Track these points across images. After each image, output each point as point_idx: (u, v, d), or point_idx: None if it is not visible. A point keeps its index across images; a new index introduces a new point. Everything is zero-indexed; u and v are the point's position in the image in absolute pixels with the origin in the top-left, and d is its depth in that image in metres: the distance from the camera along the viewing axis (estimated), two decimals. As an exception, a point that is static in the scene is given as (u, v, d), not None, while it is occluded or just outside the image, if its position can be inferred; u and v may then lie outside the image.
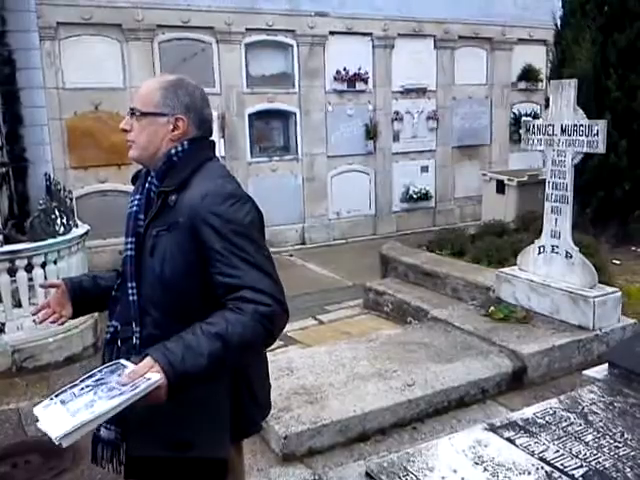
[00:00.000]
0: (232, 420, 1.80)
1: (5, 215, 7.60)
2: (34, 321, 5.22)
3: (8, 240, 6.03)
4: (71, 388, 1.65)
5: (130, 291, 1.86)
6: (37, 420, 1.60)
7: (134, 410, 1.59)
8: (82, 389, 1.62)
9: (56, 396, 1.65)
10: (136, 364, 1.60)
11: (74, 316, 2.09)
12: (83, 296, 2.08)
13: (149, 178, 1.90)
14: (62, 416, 1.53)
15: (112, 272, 2.15)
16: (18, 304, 5.40)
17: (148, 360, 1.58)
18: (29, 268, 5.35)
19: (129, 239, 1.88)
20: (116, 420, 1.76)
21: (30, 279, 5.38)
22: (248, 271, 1.71)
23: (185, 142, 1.89)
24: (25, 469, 3.67)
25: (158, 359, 1.57)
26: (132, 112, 1.90)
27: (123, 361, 1.69)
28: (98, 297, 2.08)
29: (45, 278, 5.41)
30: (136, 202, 1.92)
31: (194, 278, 1.77)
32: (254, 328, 1.65)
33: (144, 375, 1.55)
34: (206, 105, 1.97)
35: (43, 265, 5.40)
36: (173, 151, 1.87)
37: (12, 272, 5.29)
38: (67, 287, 2.05)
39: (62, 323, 2.10)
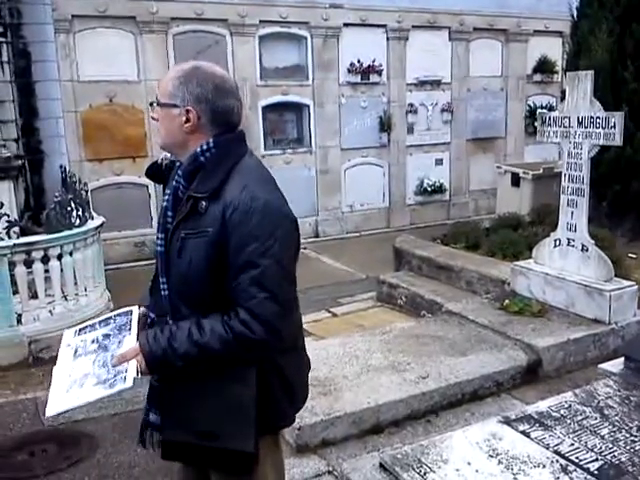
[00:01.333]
0: (262, 414, 1.80)
1: (21, 207, 7.66)
2: (50, 312, 5.29)
3: (24, 232, 6.07)
4: (91, 330, 1.90)
5: (162, 286, 1.90)
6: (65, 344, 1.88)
7: (168, 398, 1.82)
8: (93, 341, 1.85)
9: (79, 332, 1.91)
10: (138, 322, 1.86)
11: None
12: None
13: (177, 177, 1.87)
14: (61, 386, 1.77)
15: None
16: (34, 295, 5.45)
17: (136, 347, 1.76)
18: (45, 260, 5.39)
19: (160, 235, 1.89)
20: (159, 405, 1.91)
21: (46, 271, 5.42)
22: (255, 293, 1.71)
23: (211, 141, 1.83)
24: (42, 458, 3.72)
25: (144, 348, 1.75)
26: (156, 102, 1.89)
27: (134, 312, 1.91)
28: None
29: (61, 270, 5.46)
30: (167, 197, 1.91)
31: (218, 284, 1.78)
32: (233, 349, 1.73)
33: (129, 361, 1.73)
34: (221, 96, 1.83)
35: (59, 257, 5.44)
36: (199, 150, 1.83)
37: (28, 264, 5.34)
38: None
39: None
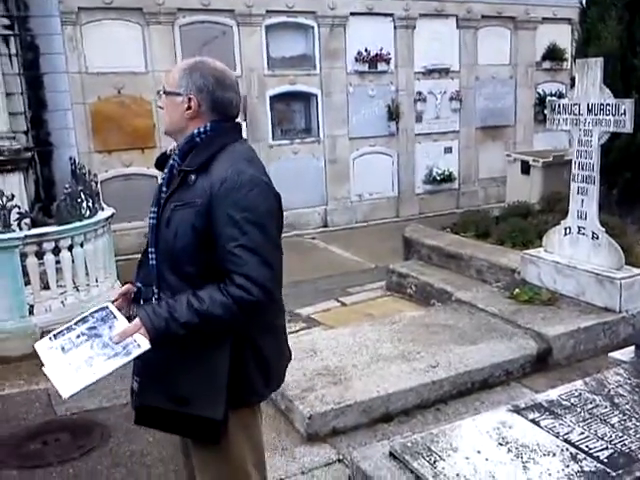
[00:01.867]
0: (235, 386, 1.90)
1: (31, 199, 7.70)
2: (62, 303, 5.32)
3: (35, 223, 6.11)
4: (68, 331, 1.92)
5: (150, 256, 2.04)
6: (42, 365, 1.87)
7: (146, 364, 1.92)
8: (78, 336, 1.89)
9: (55, 337, 1.92)
10: (126, 317, 1.93)
11: None
12: None
13: (173, 155, 2.04)
14: (67, 371, 1.80)
15: None
16: (46, 286, 5.49)
17: (137, 322, 1.85)
18: (56, 251, 5.43)
19: (153, 208, 2.04)
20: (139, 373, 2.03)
21: (57, 262, 5.46)
22: (248, 259, 1.84)
23: (208, 124, 2.00)
24: (55, 447, 3.76)
25: (145, 322, 1.83)
26: (162, 91, 2.08)
27: (110, 306, 1.97)
28: None
29: (72, 261, 5.49)
30: (163, 176, 2.07)
31: (203, 254, 1.90)
32: (234, 312, 1.84)
33: (132, 335, 1.82)
34: (222, 88, 2.02)
35: (70, 248, 5.47)
36: (196, 131, 2.00)
37: (40, 255, 5.38)
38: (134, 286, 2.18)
39: None
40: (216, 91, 2.01)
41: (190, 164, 1.95)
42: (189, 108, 2.00)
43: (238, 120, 2.11)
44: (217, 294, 1.84)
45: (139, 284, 2.11)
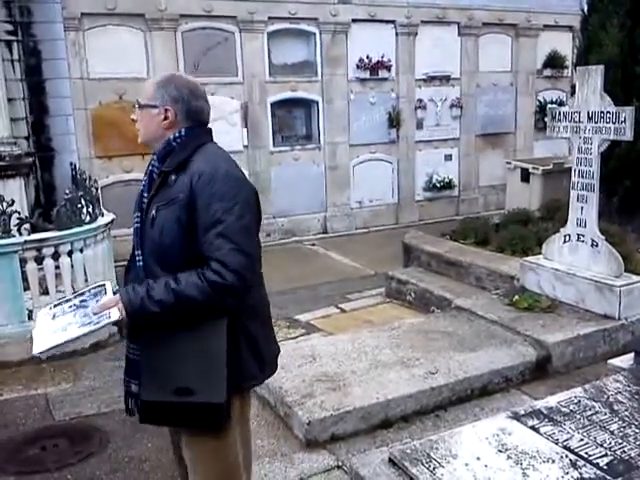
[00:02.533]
0: (231, 370, 1.98)
1: (32, 204, 7.71)
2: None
3: (35, 229, 6.11)
4: (65, 302, 2.12)
5: (137, 258, 2.13)
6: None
7: (146, 361, 2.00)
8: (70, 307, 2.07)
9: (54, 306, 2.12)
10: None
11: None
12: None
13: (151, 161, 2.18)
14: (46, 333, 1.99)
15: None
16: (45, 292, 5.49)
17: (117, 296, 2.00)
18: (56, 256, 5.43)
19: (136, 213, 2.16)
20: (139, 375, 2.07)
21: (57, 267, 5.46)
22: (223, 246, 1.96)
23: (182, 130, 2.15)
24: (53, 452, 3.75)
25: (123, 297, 1.98)
26: (136, 104, 2.21)
27: (107, 284, 2.13)
28: None
29: (72, 267, 5.49)
30: (143, 182, 2.20)
31: (189, 245, 2.01)
32: (207, 295, 1.95)
33: (110, 309, 1.96)
34: (195, 98, 2.17)
35: (69, 253, 5.47)
36: (172, 137, 2.14)
37: (39, 260, 5.38)
38: None
39: None
40: (191, 101, 2.16)
41: (169, 165, 2.09)
42: (166, 118, 2.14)
43: (209, 126, 2.25)
44: (193, 277, 1.95)
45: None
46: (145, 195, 2.14)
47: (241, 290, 1.99)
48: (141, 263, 2.11)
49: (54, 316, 2.06)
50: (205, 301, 1.95)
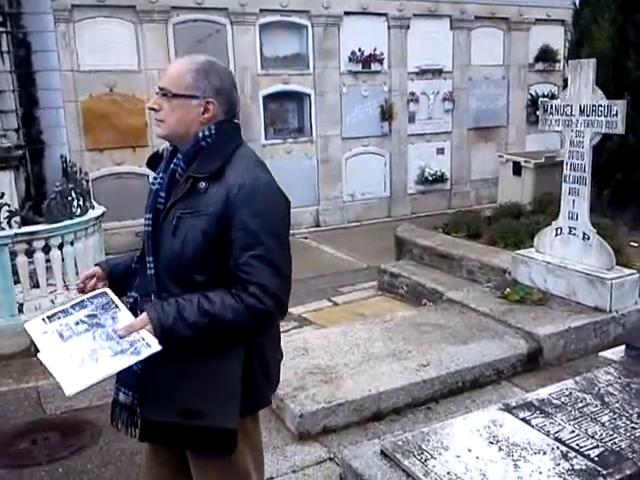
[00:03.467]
0: (243, 394, 1.85)
1: (22, 197, 7.67)
2: (52, 301, 5.29)
3: (25, 222, 6.08)
4: (64, 315, 1.82)
5: (148, 265, 1.91)
6: (36, 351, 1.73)
7: (151, 377, 1.83)
8: (77, 323, 1.78)
9: (49, 319, 1.81)
10: (131, 309, 1.84)
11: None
12: (121, 276, 2.08)
13: (175, 160, 1.92)
14: (69, 364, 1.66)
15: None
16: (36, 285, 5.45)
17: (144, 317, 1.77)
18: (46, 249, 5.39)
19: (148, 215, 1.93)
20: (133, 386, 1.91)
21: (47, 260, 5.43)
22: (262, 269, 1.79)
23: (212, 126, 1.90)
24: (45, 446, 3.74)
25: (153, 319, 1.75)
26: (163, 92, 1.90)
27: (109, 292, 1.89)
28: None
29: (62, 260, 5.46)
30: (159, 180, 1.95)
31: (214, 261, 1.83)
32: (245, 319, 1.79)
33: (140, 332, 1.73)
34: (235, 89, 1.98)
35: (60, 246, 5.43)
36: (201, 135, 1.90)
37: (29, 253, 5.34)
38: (103, 272, 2.06)
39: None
40: (232, 93, 1.95)
41: (201, 171, 1.85)
42: (205, 111, 1.89)
43: (237, 120, 2.01)
44: (229, 298, 1.78)
45: (135, 294, 1.99)
46: (162, 195, 1.91)
47: (278, 315, 1.88)
48: (153, 272, 1.90)
49: (62, 336, 1.76)
50: (239, 325, 1.79)
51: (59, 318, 1.82)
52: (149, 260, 1.91)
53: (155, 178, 1.97)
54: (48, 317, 1.83)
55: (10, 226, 5.48)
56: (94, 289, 1.98)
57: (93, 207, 6.09)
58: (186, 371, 1.82)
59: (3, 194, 5.53)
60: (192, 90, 1.88)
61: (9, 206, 5.60)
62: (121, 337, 1.72)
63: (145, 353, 1.69)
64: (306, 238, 9.83)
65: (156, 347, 1.70)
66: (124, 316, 1.80)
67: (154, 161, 2.04)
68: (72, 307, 1.85)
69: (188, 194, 1.85)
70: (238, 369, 1.84)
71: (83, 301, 1.88)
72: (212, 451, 1.88)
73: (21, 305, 5.30)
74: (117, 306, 1.84)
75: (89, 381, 1.63)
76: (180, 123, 1.90)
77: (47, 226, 5.40)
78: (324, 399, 3.45)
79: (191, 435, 1.85)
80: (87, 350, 1.70)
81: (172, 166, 1.92)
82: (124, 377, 1.92)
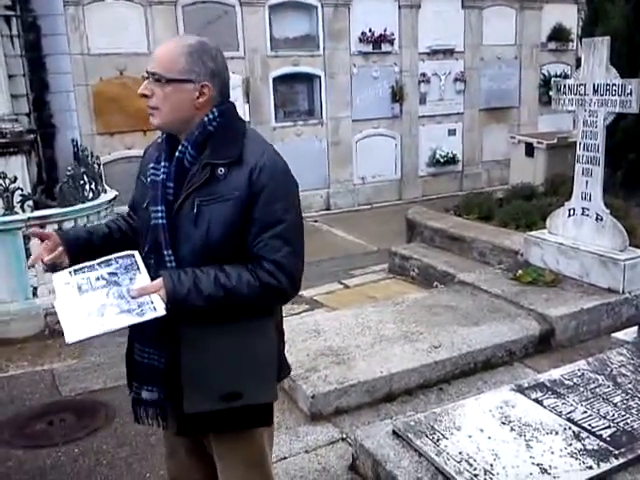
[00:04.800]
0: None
1: (34, 181, 7.68)
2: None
3: (38, 205, 6.11)
4: (90, 270, 1.86)
5: (167, 258, 1.85)
6: (53, 304, 1.81)
7: (184, 369, 1.81)
8: (98, 279, 1.82)
9: (75, 272, 1.86)
10: (150, 275, 1.81)
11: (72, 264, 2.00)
12: (81, 246, 2.04)
13: (181, 147, 1.86)
14: (77, 314, 1.72)
15: (106, 226, 2.18)
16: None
17: (159, 282, 1.75)
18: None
19: (159, 207, 1.86)
20: (158, 381, 1.91)
21: (60, 244, 5.46)
22: (279, 247, 1.81)
23: (215, 110, 1.86)
24: (60, 427, 3.79)
25: (167, 285, 1.74)
26: (154, 77, 1.83)
27: (136, 255, 1.89)
28: (95, 247, 2.05)
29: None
30: (163, 170, 1.88)
31: (238, 245, 1.83)
32: (259, 295, 1.80)
33: (151, 295, 1.73)
34: (226, 68, 1.93)
35: (73, 230, 5.47)
36: (206, 119, 1.85)
37: (43, 237, 5.37)
38: (61, 239, 2.01)
39: (54, 267, 2.01)
40: (224, 74, 1.90)
41: (219, 157, 1.81)
42: (200, 95, 1.83)
43: (231, 99, 1.97)
44: (245, 273, 1.79)
45: None
46: (170, 186, 1.86)
47: (292, 294, 1.89)
48: (174, 264, 1.84)
49: (80, 288, 1.81)
50: (253, 301, 1.80)
51: (84, 272, 1.86)
52: (168, 253, 1.85)
53: (156, 168, 1.90)
54: (75, 270, 1.88)
55: (23, 210, 5.51)
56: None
57: (105, 191, 6.12)
58: (221, 355, 1.81)
59: (16, 178, 5.55)
60: (187, 74, 1.81)
61: (22, 190, 5.63)
62: (133, 298, 1.74)
63: (149, 316, 1.70)
64: (316, 221, 9.83)
65: (161, 312, 1.71)
66: (141, 278, 1.82)
67: (158, 147, 1.96)
68: (99, 264, 1.88)
69: (207, 182, 1.81)
70: (272, 346, 1.89)
71: (110, 259, 1.89)
72: (251, 427, 1.92)
73: (35, 289, 5.36)
74: (139, 268, 1.86)
75: (90, 333, 1.68)
76: (175, 110, 1.84)
77: (60, 210, 5.44)
78: (336, 380, 3.47)
79: (232, 417, 1.86)
80: (97, 304, 1.74)
81: (178, 154, 1.86)
82: (146, 375, 1.93)
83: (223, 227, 1.80)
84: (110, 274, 1.84)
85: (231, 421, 1.88)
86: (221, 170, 1.81)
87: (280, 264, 1.80)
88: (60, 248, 1.98)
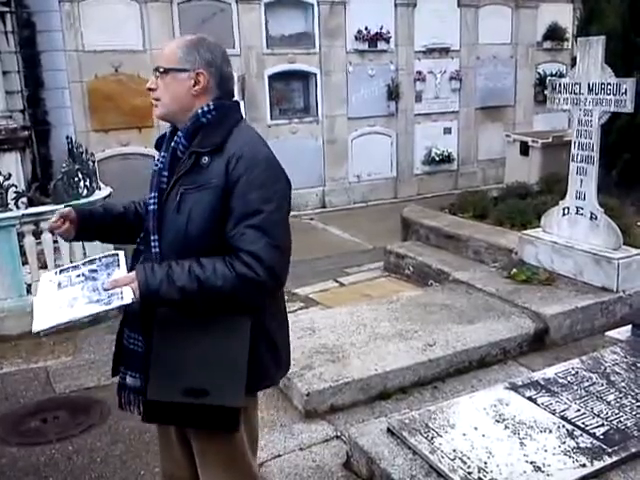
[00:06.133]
0: (249, 373, 1.85)
1: (28, 178, 7.67)
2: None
3: (32, 202, 6.09)
4: (73, 269, 1.95)
5: (153, 244, 1.93)
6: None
7: (155, 358, 1.84)
8: (78, 276, 1.89)
9: (60, 272, 1.96)
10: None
11: (76, 239, 2.18)
12: (88, 222, 2.13)
13: (176, 137, 1.95)
14: (49, 307, 1.79)
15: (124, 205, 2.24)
16: (44, 265, 5.48)
17: (132, 275, 1.79)
18: (54, 230, 5.41)
19: (153, 194, 1.94)
20: (140, 368, 1.92)
21: (55, 241, 5.45)
22: (257, 239, 1.79)
23: (211, 103, 1.93)
24: (54, 424, 3.78)
25: (140, 277, 1.76)
26: (158, 71, 1.94)
27: (120, 255, 1.95)
28: (107, 225, 2.18)
29: (69, 240, 5.47)
30: (161, 159, 1.98)
31: (217, 235, 1.84)
32: (235, 287, 1.77)
33: (122, 287, 1.75)
34: (227, 64, 2.00)
35: (67, 227, 5.44)
36: (200, 111, 1.92)
37: (37, 234, 5.36)
38: (77, 214, 2.09)
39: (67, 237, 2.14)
40: (224, 66, 1.97)
41: (202, 145, 1.87)
42: (196, 84, 1.91)
43: (236, 98, 2.06)
44: (220, 265, 1.77)
45: None
46: (165, 174, 1.93)
47: (272, 289, 1.86)
48: (157, 250, 1.90)
49: (59, 285, 1.87)
50: (230, 294, 1.78)
51: (68, 271, 1.94)
52: (154, 239, 1.92)
53: (158, 158, 2.00)
54: (60, 270, 1.97)
55: (17, 207, 5.49)
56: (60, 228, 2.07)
57: (100, 188, 6.10)
58: (190, 350, 1.82)
59: (10, 175, 5.53)
60: (182, 63, 1.91)
61: (16, 187, 5.61)
62: (105, 290, 1.77)
63: (115, 304, 1.72)
64: (312, 219, 9.83)
65: (128, 300, 1.72)
66: (118, 273, 1.85)
67: (161, 143, 2.06)
68: (83, 263, 1.96)
69: (191, 169, 1.87)
70: (244, 347, 1.83)
71: (94, 259, 1.97)
72: (215, 429, 1.88)
73: (29, 286, 5.34)
74: (119, 265, 1.90)
75: (55, 321, 1.72)
76: (174, 99, 1.93)
77: (54, 207, 5.39)
78: (331, 378, 3.48)
79: (195, 414, 1.84)
80: (70, 297, 1.79)
81: (173, 144, 1.94)
82: (131, 361, 1.95)
83: (203, 215, 1.83)
84: (90, 271, 1.90)
85: (194, 418, 1.86)
86: (205, 159, 1.86)
87: (257, 256, 1.77)
88: (67, 224, 2.07)
